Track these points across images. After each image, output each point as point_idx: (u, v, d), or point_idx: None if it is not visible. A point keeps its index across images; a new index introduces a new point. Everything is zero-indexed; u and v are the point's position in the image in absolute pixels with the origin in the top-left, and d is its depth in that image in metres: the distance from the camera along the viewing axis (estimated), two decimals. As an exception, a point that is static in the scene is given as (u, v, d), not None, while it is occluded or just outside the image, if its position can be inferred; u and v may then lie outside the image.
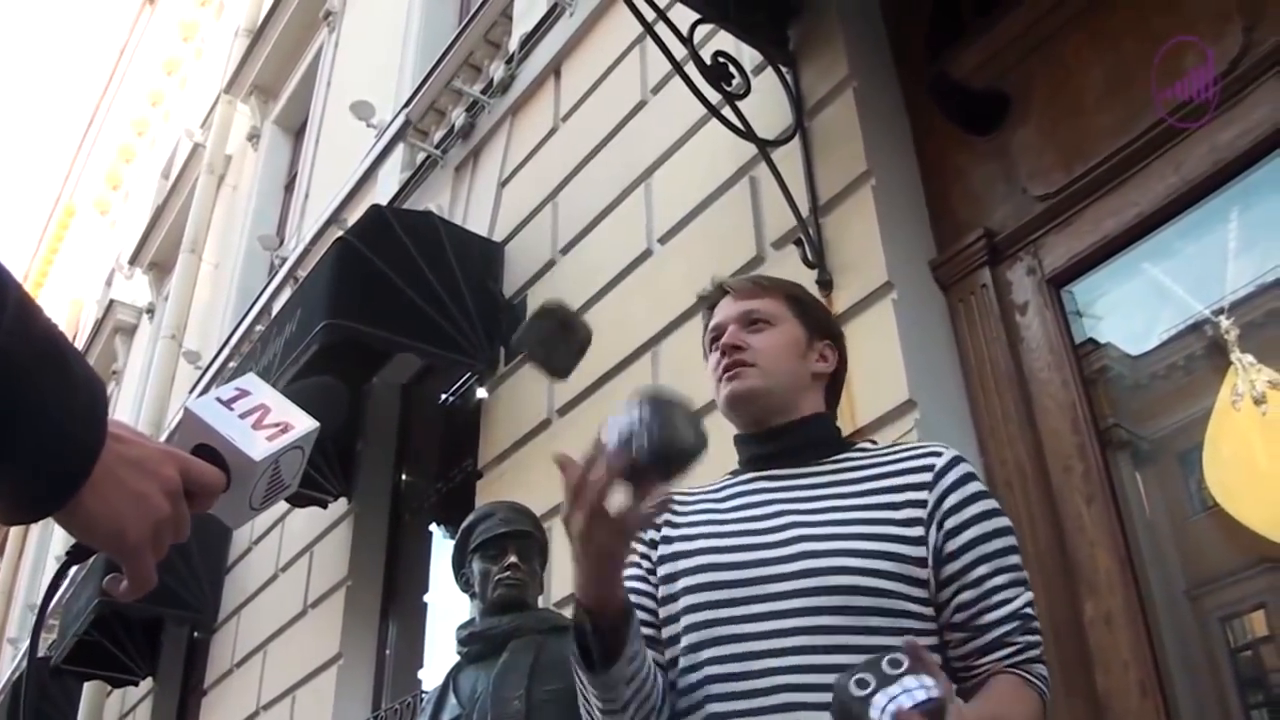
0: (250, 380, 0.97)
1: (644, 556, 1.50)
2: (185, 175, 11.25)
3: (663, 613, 1.43)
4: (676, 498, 1.54)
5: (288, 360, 4.40)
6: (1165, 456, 2.26)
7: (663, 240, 3.64)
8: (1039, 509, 2.35)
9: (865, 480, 1.42)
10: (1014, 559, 1.37)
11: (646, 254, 3.71)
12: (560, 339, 1.33)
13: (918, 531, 1.36)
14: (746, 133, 3.04)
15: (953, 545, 1.35)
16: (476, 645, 2.59)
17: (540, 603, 2.73)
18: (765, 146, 3.03)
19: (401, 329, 4.28)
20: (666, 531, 1.48)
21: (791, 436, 1.49)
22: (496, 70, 5.26)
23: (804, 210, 2.98)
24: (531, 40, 4.96)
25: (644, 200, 3.82)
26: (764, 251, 3.16)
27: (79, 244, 17.48)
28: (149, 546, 0.80)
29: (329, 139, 7.92)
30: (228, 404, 0.94)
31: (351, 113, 6.53)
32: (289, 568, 5.87)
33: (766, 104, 3.23)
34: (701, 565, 1.40)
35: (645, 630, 1.42)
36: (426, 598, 5.12)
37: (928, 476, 1.40)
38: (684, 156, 3.67)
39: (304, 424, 0.96)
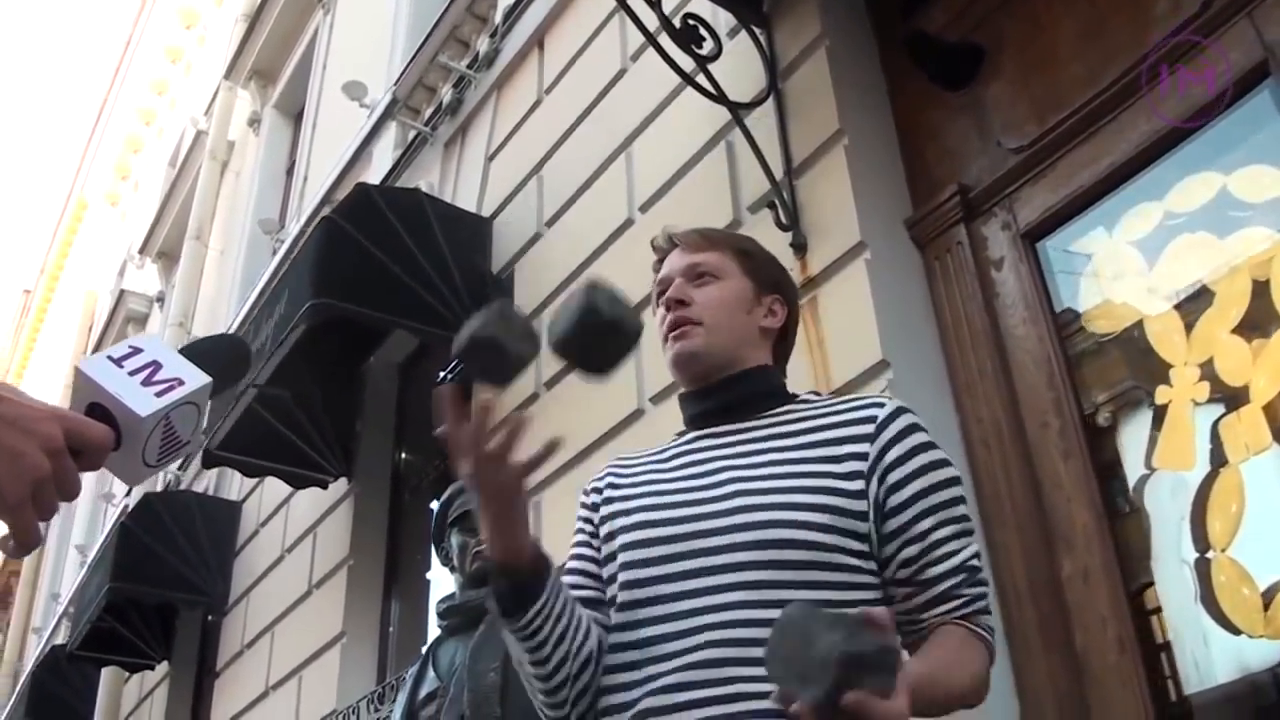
0: (143, 339, 0.97)
1: (586, 520, 1.49)
2: (189, 163, 11.26)
3: (605, 574, 1.40)
4: (621, 463, 1.52)
5: (278, 341, 4.39)
6: (1143, 411, 2.21)
7: (643, 209, 3.60)
8: (1015, 466, 2.31)
9: (806, 432, 1.38)
10: (959, 510, 1.34)
11: (628, 223, 3.67)
12: (609, 337, 1.29)
13: (858, 485, 1.32)
14: (719, 96, 2.99)
15: (895, 499, 1.32)
16: (455, 618, 2.59)
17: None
18: (737, 110, 2.99)
19: (389, 307, 4.26)
20: (609, 494, 1.46)
21: (732, 391, 1.45)
22: (482, 44, 5.22)
23: (778, 173, 2.93)
24: (514, 12, 4.91)
25: (625, 170, 3.78)
26: (740, 216, 3.12)
27: (92, 237, 17.55)
28: (29, 504, 0.79)
29: (326, 121, 7.90)
30: (118, 362, 0.93)
31: (344, 93, 6.51)
32: (294, 549, 5.89)
33: (740, 67, 3.18)
34: (638, 523, 1.37)
35: (590, 593, 1.41)
36: (429, 575, 5.12)
37: (869, 428, 1.36)
38: (662, 124, 3.63)
39: (195, 380, 0.95)
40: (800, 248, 2.83)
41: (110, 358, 0.93)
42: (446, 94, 5.41)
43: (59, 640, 9.39)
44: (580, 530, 1.49)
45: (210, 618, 6.97)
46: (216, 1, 13.42)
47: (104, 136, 17.89)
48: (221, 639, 6.58)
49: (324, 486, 5.50)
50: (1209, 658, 2.01)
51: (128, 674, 7.75)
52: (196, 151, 11.09)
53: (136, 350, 0.94)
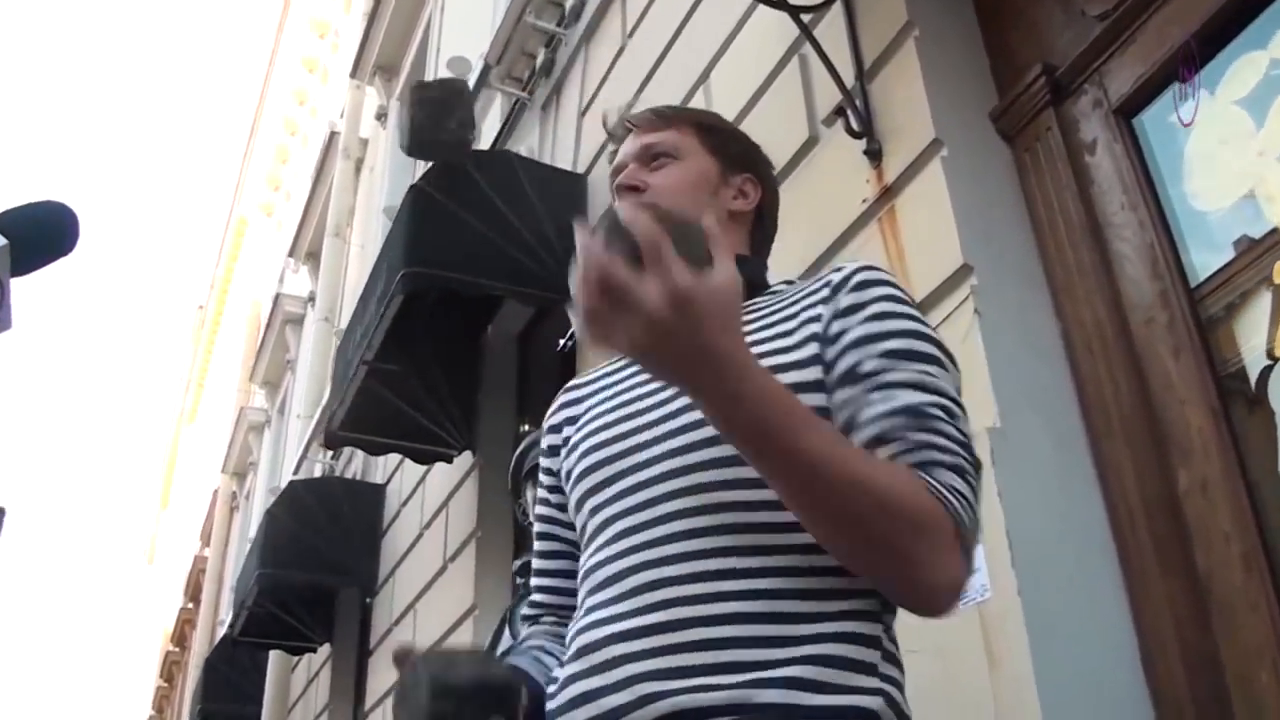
0: None
1: (547, 471, 1.32)
2: (327, 164, 11.58)
3: (575, 516, 1.22)
4: (572, 387, 1.34)
5: (379, 316, 4.39)
6: (1260, 294, 1.90)
7: (724, 140, 3.40)
8: (1121, 370, 2.04)
9: (763, 321, 1.18)
10: (920, 365, 1.06)
11: (711, 158, 3.48)
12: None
13: (810, 350, 1.11)
14: (779, 2, 2.78)
15: (835, 349, 1.09)
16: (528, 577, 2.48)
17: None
18: (799, 14, 2.76)
19: (483, 270, 4.19)
20: (567, 431, 1.28)
21: None
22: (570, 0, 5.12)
23: (848, 79, 2.70)
24: (596, -40, 4.77)
25: (704, 101, 3.59)
26: (816, 131, 2.89)
27: (254, 248, 18.35)
28: None
29: (443, 105, 7.95)
30: None
31: (449, 70, 6.50)
32: (430, 525, 5.94)
33: (806, -30, 2.95)
34: (585, 450, 1.19)
35: (564, 545, 1.26)
36: (555, 543, 5.06)
37: (825, 292, 1.14)
38: (738, 48, 3.43)
39: None
40: (874, 155, 2.59)
41: None
42: (540, 56, 5.33)
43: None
44: (542, 483, 1.33)
45: (367, 600, 7.15)
46: (345, 7, 13.76)
47: (255, 152, 18.66)
48: (374, 618, 6.73)
49: (449, 461, 5.51)
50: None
51: (295, 657, 8.02)
52: (332, 152, 11.39)
53: None
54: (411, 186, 4.35)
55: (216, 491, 14.67)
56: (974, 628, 1.90)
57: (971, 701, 1.86)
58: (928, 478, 0.99)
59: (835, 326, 1.10)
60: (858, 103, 2.67)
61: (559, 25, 5.14)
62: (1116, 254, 2.10)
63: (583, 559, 1.17)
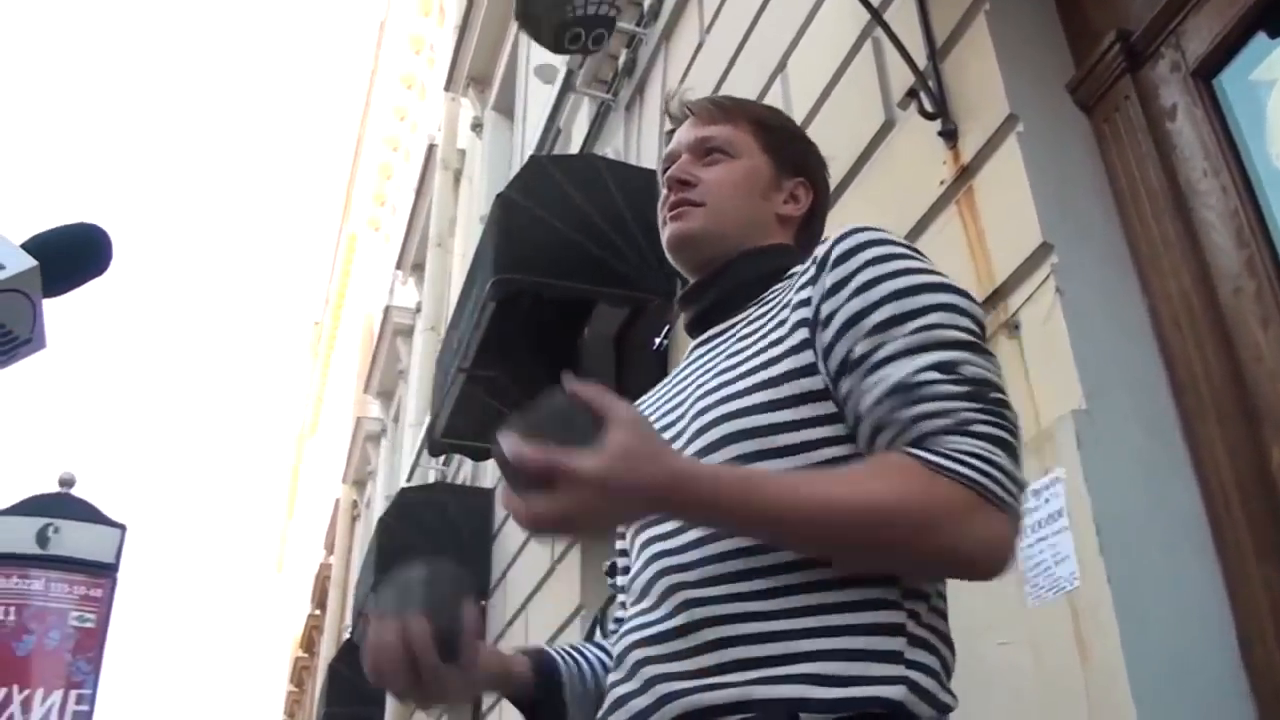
0: None
1: None
2: (427, 177, 11.82)
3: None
4: (640, 404, 1.34)
5: (472, 323, 4.46)
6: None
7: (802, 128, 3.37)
8: (1210, 344, 1.95)
9: (770, 307, 1.15)
10: (912, 324, 1.01)
11: (790, 149, 3.44)
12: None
13: (802, 335, 1.07)
14: (845, -14, 2.74)
15: (827, 336, 1.05)
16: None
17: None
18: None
19: (572, 274, 4.23)
20: None
21: (725, 281, 1.22)
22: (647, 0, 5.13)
23: (920, 60, 2.64)
24: (670, -42, 4.77)
25: (782, 92, 3.56)
26: (892, 115, 2.84)
27: (365, 263, 18.83)
28: None
29: (534, 111, 8.04)
30: None
31: (537, 78, 6.59)
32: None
33: (875, -47, 2.90)
34: None
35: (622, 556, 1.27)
36: (657, 542, 5.08)
37: (812, 271, 1.09)
38: (812, 35, 3.39)
39: (17, 264, 0.86)
40: (949, 136, 2.53)
41: None
42: (622, 57, 5.35)
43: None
44: None
45: (481, 603, 7.28)
46: (438, 21, 14.02)
47: (361, 169, 19.15)
48: (488, 621, 6.84)
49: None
50: None
51: (415, 662, 8.19)
52: (431, 165, 11.62)
53: None
54: (498, 195, 4.41)
55: (338, 501, 15.11)
56: (1064, 618, 1.84)
57: (1063, 693, 1.81)
58: (924, 453, 0.96)
59: (825, 308, 1.06)
60: (931, 83, 2.61)
61: (639, 25, 5.15)
62: (1201, 223, 2.01)
63: (627, 581, 1.18)
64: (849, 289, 1.05)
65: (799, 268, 1.16)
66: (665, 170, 1.30)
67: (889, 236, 1.09)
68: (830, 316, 1.05)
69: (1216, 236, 1.97)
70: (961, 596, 2.07)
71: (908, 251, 1.08)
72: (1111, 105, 2.28)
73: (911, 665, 0.98)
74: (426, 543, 6.69)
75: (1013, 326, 2.24)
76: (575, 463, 0.88)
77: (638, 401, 1.34)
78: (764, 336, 1.11)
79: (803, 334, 1.07)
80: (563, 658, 1.25)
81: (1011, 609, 1.97)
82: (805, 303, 1.08)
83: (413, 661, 1.01)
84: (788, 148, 1.32)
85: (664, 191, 1.29)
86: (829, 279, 1.07)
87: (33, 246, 0.89)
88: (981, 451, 0.95)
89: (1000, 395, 1.00)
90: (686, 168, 1.28)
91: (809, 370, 1.05)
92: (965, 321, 1.03)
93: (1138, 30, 2.20)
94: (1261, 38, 1.95)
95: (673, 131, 1.35)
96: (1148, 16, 2.18)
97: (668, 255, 1.28)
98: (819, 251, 1.10)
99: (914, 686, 0.97)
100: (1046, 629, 1.87)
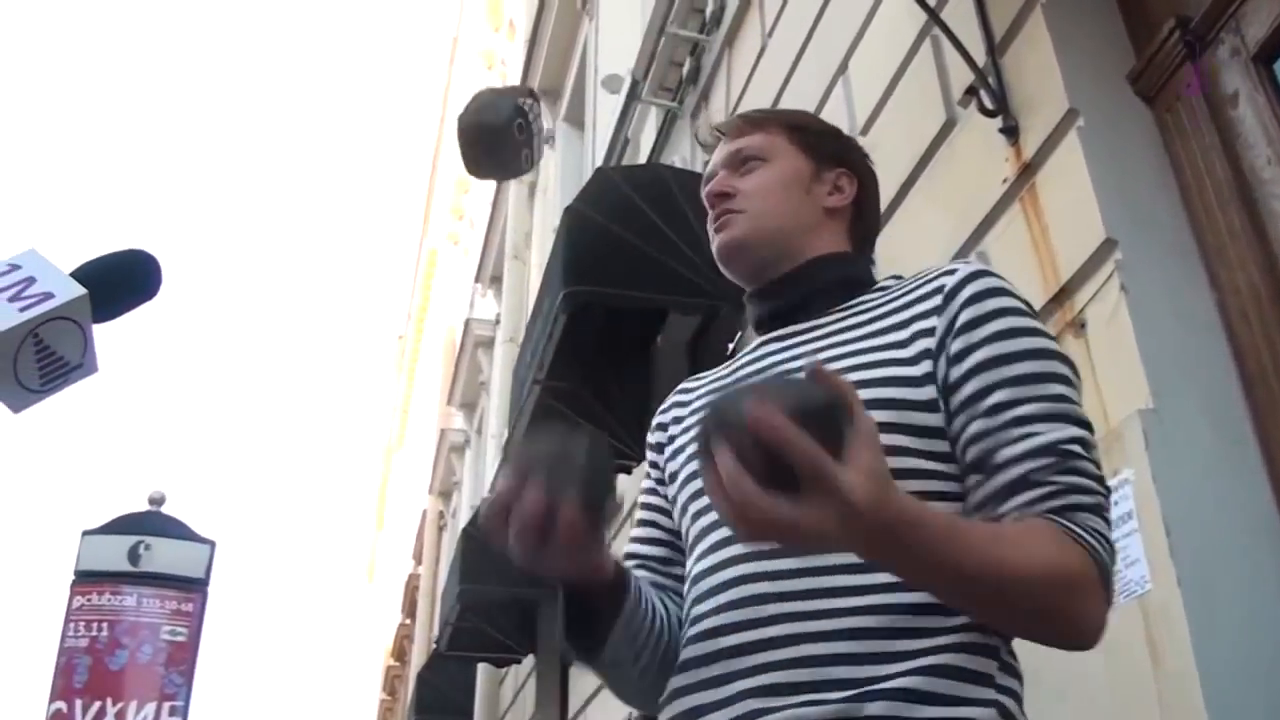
0: (25, 255, 0.91)
1: (653, 465, 1.33)
2: (502, 189, 11.95)
3: (678, 520, 1.24)
4: (684, 389, 1.36)
5: (545, 336, 4.51)
6: None
7: (864, 130, 3.34)
8: (1281, 338, 1.90)
9: (873, 321, 1.16)
10: (1054, 389, 1.04)
11: (853, 151, 3.43)
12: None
13: (924, 368, 1.08)
14: (900, -14, 2.72)
15: (958, 371, 1.06)
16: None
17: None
18: (923, -3, 2.69)
19: (642, 283, 4.24)
20: (672, 430, 1.29)
21: (799, 286, 1.24)
22: (709, 6, 5.13)
23: (979, 57, 2.61)
24: (732, -36, 4.78)
25: (844, 94, 3.55)
26: (954, 113, 2.81)
27: (445, 277, 19.10)
28: None
29: (603, 121, 8.10)
30: None
31: (604, 88, 6.63)
32: (620, 529, 6.05)
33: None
34: (690, 454, 1.19)
35: (660, 549, 1.26)
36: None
37: (938, 300, 1.11)
38: (871, 37, 3.37)
39: (67, 292, 0.89)
40: (1011, 133, 2.50)
41: None
42: (686, 65, 5.37)
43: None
44: (648, 475, 1.34)
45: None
46: (509, 37, 14.18)
47: (438, 184, 19.43)
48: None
49: (628, 472, 5.59)
50: None
51: (502, 669, 8.30)
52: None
53: (13, 267, 0.90)
54: (566, 208, 4.45)
55: (425, 512, 15.35)
56: (1136, 622, 1.80)
57: (1137, 699, 1.77)
58: (1070, 525, 0.98)
59: (954, 345, 1.08)
60: (990, 80, 2.58)
61: (701, 32, 5.17)
62: (1268, 212, 1.95)
63: (688, 565, 1.17)
64: (987, 331, 1.07)
65: (890, 283, 1.20)
66: (705, 191, 1.32)
67: (1014, 289, 1.12)
68: (962, 354, 1.07)
69: (1285, 226, 1.92)
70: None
71: (1028, 307, 1.12)
72: (1173, 94, 2.23)
73: (1001, 689, 0.99)
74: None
75: (1079, 325, 2.20)
76: (842, 475, 0.79)
77: (685, 386, 1.35)
78: (875, 351, 1.12)
79: (927, 365, 1.09)
80: (641, 592, 1.14)
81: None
82: (929, 332, 1.10)
83: (549, 530, 0.92)
84: (822, 143, 1.33)
85: (710, 212, 1.31)
86: (963, 315, 1.09)
87: (81, 274, 0.92)
88: (1106, 536, 1.00)
89: (1108, 489, 1.05)
90: (724, 181, 1.30)
91: (931, 406, 1.07)
92: (1079, 394, 1.08)
93: (1197, 16, 2.15)
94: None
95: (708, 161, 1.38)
96: (1206, 2, 2.13)
97: (721, 269, 1.30)
98: (944, 282, 1.12)
99: (1003, 710, 0.98)
100: (1119, 633, 1.82)
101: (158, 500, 8.05)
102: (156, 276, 0.98)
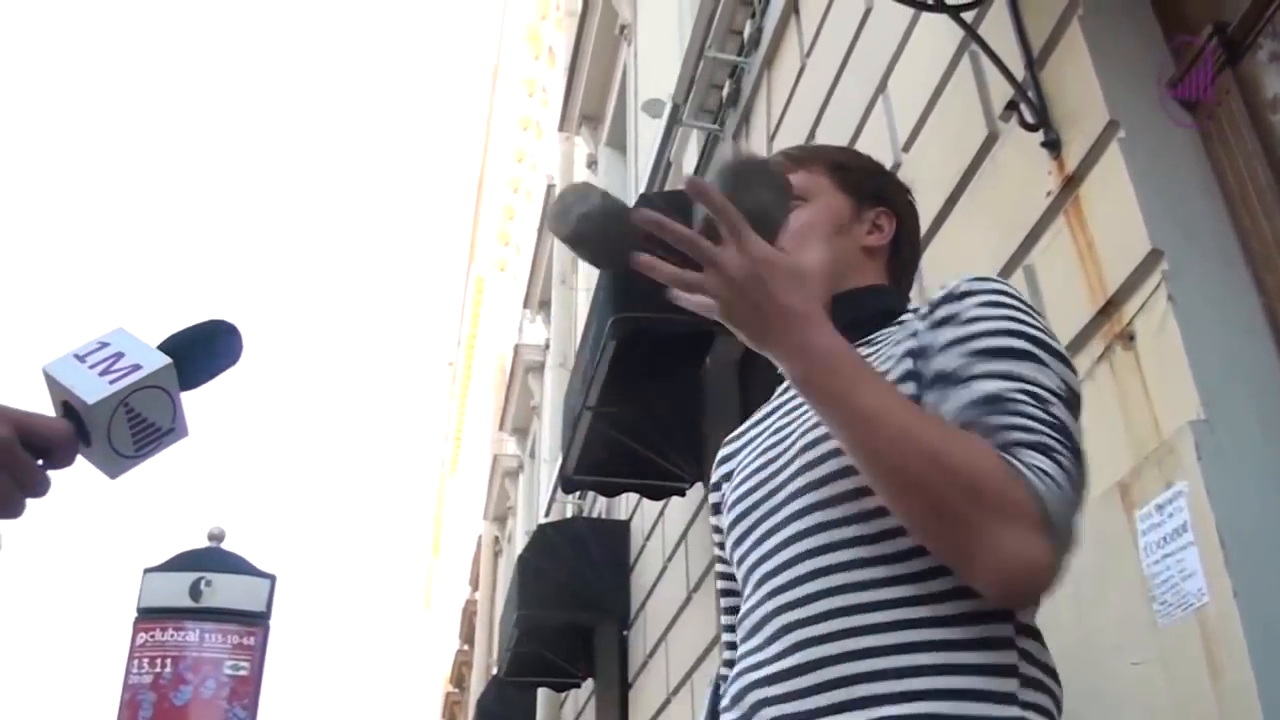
0: (114, 333, 0.96)
1: (716, 529, 1.36)
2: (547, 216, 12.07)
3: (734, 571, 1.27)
4: (729, 441, 1.38)
5: (594, 362, 4.55)
6: None
7: (905, 148, 3.36)
8: (1334, 343, 1.88)
9: (879, 346, 1.19)
10: (1008, 362, 1.03)
11: (896, 167, 3.43)
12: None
13: (905, 367, 1.11)
14: (935, 3, 2.73)
15: (926, 359, 1.09)
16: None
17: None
18: (959, 13, 2.70)
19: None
20: (724, 488, 1.32)
21: None
22: (747, 28, 5.17)
23: (1018, 72, 2.62)
24: (767, -14, 4.81)
25: (885, 112, 3.56)
26: (995, 128, 2.81)
27: (493, 303, 19.27)
28: None
29: (645, 146, 8.15)
30: (82, 358, 0.93)
31: (645, 113, 6.69)
32: (672, 558, 6.06)
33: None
34: (733, 505, 1.23)
35: (732, 599, 1.30)
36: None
37: (925, 309, 1.14)
38: (909, 54, 3.38)
39: (152, 363, 0.93)
40: (1053, 146, 2.50)
41: (75, 355, 0.93)
42: (726, 87, 5.40)
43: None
44: (714, 543, 1.37)
45: (624, 633, 7.35)
46: (549, 63, 14.34)
47: (484, 212, 19.64)
48: (630, 651, 6.91)
49: (681, 494, 5.61)
50: None
51: (562, 694, 8.31)
52: (550, 203, 11.85)
53: (103, 345, 0.94)
54: (610, 234, 4.49)
55: (480, 538, 15.45)
56: (1194, 636, 1.79)
57: (1196, 713, 1.76)
58: (1009, 456, 0.97)
59: (928, 338, 1.10)
60: (1030, 94, 2.58)
61: (740, 55, 5.20)
62: (1315, 218, 1.94)
63: (741, 607, 1.20)
64: (958, 320, 1.09)
65: (908, 315, 1.20)
66: None
67: (1009, 289, 1.12)
68: (931, 344, 1.09)
69: (1332, 231, 1.90)
70: (1090, 617, 2.04)
71: (1025, 307, 1.11)
72: (1214, 101, 2.22)
73: (1026, 706, 0.99)
74: (567, 576, 6.80)
75: (1128, 337, 2.19)
76: (719, 251, 1.00)
77: (730, 438, 1.38)
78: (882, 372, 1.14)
79: (908, 364, 1.11)
80: None
81: (1142, 628, 1.92)
82: (913, 335, 1.13)
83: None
84: (863, 181, 1.36)
85: None
86: (940, 313, 1.11)
87: (167, 346, 0.97)
88: (1055, 475, 0.97)
89: (1080, 448, 1.02)
90: None
91: (914, 400, 1.08)
92: (1063, 373, 1.06)
93: (1234, 20, 2.14)
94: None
95: None
96: (1244, 5, 2.12)
97: None
98: (937, 295, 1.14)
99: None
100: (1177, 647, 1.82)
101: (217, 536, 8.19)
102: (237, 345, 1.02)
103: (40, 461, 0.86)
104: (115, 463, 0.93)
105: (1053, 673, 1.06)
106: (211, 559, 8.02)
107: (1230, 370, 1.96)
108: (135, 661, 7.60)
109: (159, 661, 7.59)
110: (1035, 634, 1.05)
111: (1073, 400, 1.06)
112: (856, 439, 1.00)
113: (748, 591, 1.16)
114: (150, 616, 7.75)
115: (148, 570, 7.96)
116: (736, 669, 1.13)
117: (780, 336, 1.01)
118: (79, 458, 0.90)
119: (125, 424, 0.91)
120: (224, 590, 7.82)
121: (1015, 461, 0.97)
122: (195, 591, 7.80)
